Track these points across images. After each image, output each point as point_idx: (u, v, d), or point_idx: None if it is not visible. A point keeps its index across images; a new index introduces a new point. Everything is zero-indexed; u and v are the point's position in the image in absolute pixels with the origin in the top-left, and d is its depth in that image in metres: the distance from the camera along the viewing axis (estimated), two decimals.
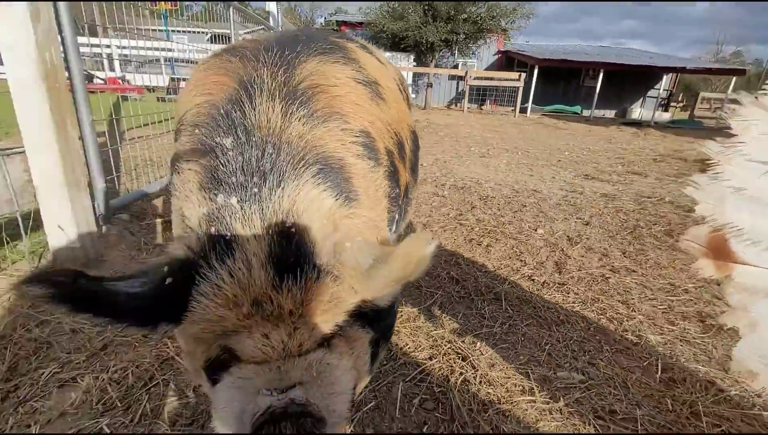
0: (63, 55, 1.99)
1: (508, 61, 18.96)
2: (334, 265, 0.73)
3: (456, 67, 18.45)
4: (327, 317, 0.76)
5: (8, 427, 1.23)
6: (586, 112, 17.39)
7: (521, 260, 2.56)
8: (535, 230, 3.11)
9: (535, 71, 15.65)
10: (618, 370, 1.59)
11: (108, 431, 1.23)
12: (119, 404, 1.33)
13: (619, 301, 2.11)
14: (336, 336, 0.81)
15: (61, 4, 1.91)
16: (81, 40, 2.42)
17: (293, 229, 0.73)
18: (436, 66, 17.13)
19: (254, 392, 0.71)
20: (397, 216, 1.20)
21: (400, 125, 1.24)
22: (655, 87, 18.22)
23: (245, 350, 0.73)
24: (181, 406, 1.34)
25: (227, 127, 0.85)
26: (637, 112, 17.83)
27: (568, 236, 3.00)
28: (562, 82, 18.91)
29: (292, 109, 0.88)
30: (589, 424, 1.32)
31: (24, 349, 1.54)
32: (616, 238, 3.03)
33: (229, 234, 0.72)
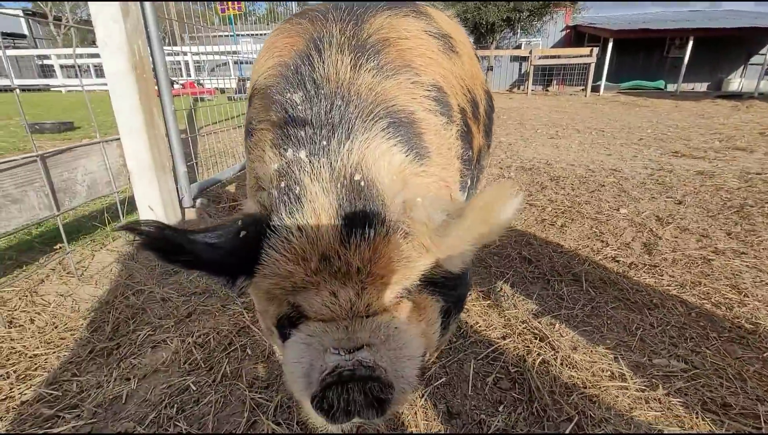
0: (149, 48, 2.16)
1: (577, 36, 17.50)
2: (404, 222, 0.70)
3: (519, 47, 17.45)
4: (396, 278, 0.72)
5: (112, 378, 1.36)
6: (671, 87, 15.53)
7: (602, 241, 2.33)
8: (617, 210, 2.81)
9: (610, 45, 14.25)
10: (730, 361, 1.37)
11: (194, 388, 1.31)
12: (203, 365, 1.42)
13: (727, 285, 1.82)
14: (405, 300, 0.78)
15: (147, 3, 2.06)
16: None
17: (362, 184, 0.70)
18: (496, 48, 16.32)
19: (322, 350, 0.69)
20: (468, 182, 1.12)
21: (474, 82, 1.14)
22: (761, 52, 15.68)
23: (313, 307, 0.72)
24: (257, 370, 1.40)
25: (297, 82, 0.83)
26: (736, 83, 15.53)
27: (657, 216, 2.68)
28: (641, 55, 17.03)
29: (362, 61, 0.84)
30: (697, 417, 1.14)
31: (123, 314, 1.71)
32: (717, 217, 2.64)
33: (298, 188, 0.70)
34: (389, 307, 0.75)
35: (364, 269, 0.69)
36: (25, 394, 1.30)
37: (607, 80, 14.36)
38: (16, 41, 21.01)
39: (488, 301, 1.75)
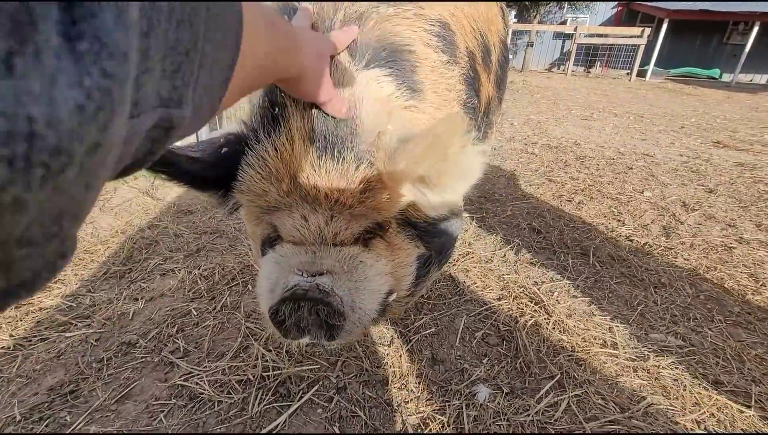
0: None
1: (629, 14, 16.30)
2: (372, 152, 0.69)
3: (564, 23, 16.46)
4: (364, 210, 0.72)
5: (122, 297, 1.45)
6: (726, 77, 14.39)
7: (619, 220, 2.25)
8: (641, 193, 2.69)
9: (664, 26, 13.21)
10: (732, 343, 1.32)
11: (195, 313, 1.38)
12: (206, 295, 1.49)
13: (744, 273, 1.74)
14: (376, 237, 0.79)
15: None
16: None
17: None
18: (540, 22, 15.43)
19: (288, 270, 0.72)
20: (474, 133, 1.08)
21: (489, 27, 1.08)
22: None
23: (285, 228, 0.75)
24: (256, 304, 1.46)
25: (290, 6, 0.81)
26: None
27: (683, 202, 2.55)
28: (698, 40, 15.75)
29: None
30: (684, 390, 1.13)
31: (138, 244, 1.80)
32: (749, 209, 2.49)
33: (277, 108, 0.70)
34: (359, 239, 0.76)
35: (332, 196, 0.70)
36: (43, 302, 1.41)
37: (656, 65, 13.42)
38: None
39: (489, 265, 1.74)
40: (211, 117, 0.34)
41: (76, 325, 1.32)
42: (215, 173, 0.73)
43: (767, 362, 1.24)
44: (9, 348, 1.20)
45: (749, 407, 1.08)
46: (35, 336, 1.26)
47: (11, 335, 1.25)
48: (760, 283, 1.67)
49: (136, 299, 1.46)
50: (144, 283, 1.56)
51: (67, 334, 1.27)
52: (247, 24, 0.34)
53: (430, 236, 0.85)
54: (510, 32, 15.81)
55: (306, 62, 0.56)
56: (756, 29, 12.48)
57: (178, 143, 0.53)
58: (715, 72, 15.07)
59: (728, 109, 7.37)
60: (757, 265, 1.82)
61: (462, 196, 0.77)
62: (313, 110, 0.68)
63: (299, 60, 0.54)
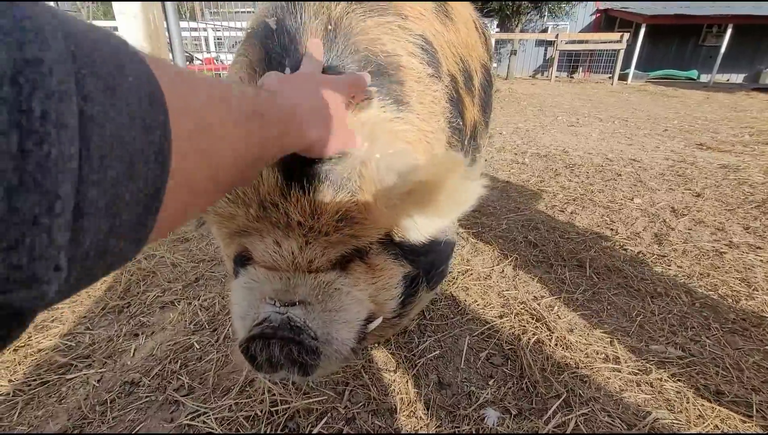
0: (164, 18, 2.18)
1: (608, 20, 16.78)
2: (354, 179, 0.65)
3: (545, 30, 16.85)
4: (341, 238, 0.68)
5: (122, 333, 1.44)
6: (704, 78, 14.82)
7: (612, 229, 2.29)
8: (631, 199, 2.75)
9: (642, 31, 13.62)
10: (730, 351, 1.35)
11: (197, 346, 1.37)
12: (207, 326, 1.48)
13: (736, 278, 1.78)
14: (356, 260, 0.74)
15: None
16: (182, 24, 2.64)
17: None
18: (521, 31, 15.78)
19: (259, 298, 0.69)
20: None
21: (469, 53, 1.08)
22: None
23: (257, 253, 0.71)
24: None
25: (275, 11, 0.79)
26: None
27: (672, 207, 2.61)
28: (675, 43, 16.26)
29: None
30: (688, 402, 1.14)
31: (135, 276, 1.78)
32: (736, 212, 2.56)
33: None
34: (337, 264, 0.72)
35: (305, 223, 0.66)
36: (41, 343, 1.38)
37: (636, 68, 13.79)
38: None
39: (488, 282, 1.75)
40: (135, 253, 0.29)
41: (76, 365, 1.30)
42: None
43: (765, 370, 1.27)
44: (9, 395, 1.17)
45: (750, 417, 1.10)
46: (35, 380, 1.23)
47: (10, 380, 1.22)
48: (752, 288, 1.71)
49: (137, 335, 1.44)
50: (144, 317, 1.54)
51: (68, 376, 1.25)
52: (205, 130, 0.32)
53: (417, 254, 0.81)
54: (493, 55, 16.10)
55: (313, 136, 0.53)
56: (729, 31, 12.93)
57: None
58: (693, 73, 15.54)
59: (708, 109, 7.58)
60: (748, 269, 1.86)
61: (455, 219, 0.76)
62: None
63: (303, 139, 0.51)
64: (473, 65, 1.11)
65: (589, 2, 16.43)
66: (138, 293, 1.68)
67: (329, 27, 0.74)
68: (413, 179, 0.58)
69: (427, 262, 0.86)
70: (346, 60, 0.72)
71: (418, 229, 0.65)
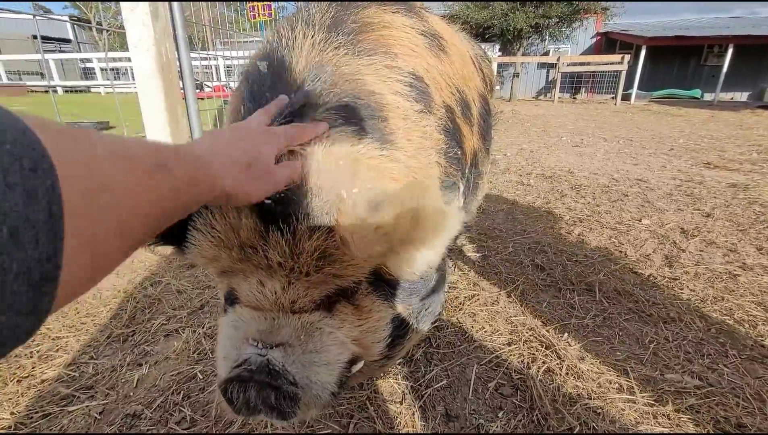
0: (176, 50, 2.26)
1: (608, 43, 17.08)
2: (332, 217, 0.64)
3: (546, 53, 17.17)
4: (323, 278, 0.68)
5: (126, 363, 1.42)
6: (708, 97, 14.88)
7: (621, 251, 2.26)
8: (639, 221, 2.72)
9: (642, 52, 13.82)
10: (750, 380, 1.30)
11: (200, 376, 1.35)
12: (211, 355, 1.46)
13: (752, 301, 1.73)
14: (341, 301, 0.73)
15: (175, 4, 2.16)
16: (193, 54, 2.75)
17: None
18: (523, 54, 16.10)
19: (243, 338, 0.69)
20: (461, 186, 1.08)
21: (466, 83, 1.10)
22: None
23: (242, 293, 0.71)
24: None
25: (265, 53, 0.82)
26: None
27: (682, 228, 2.57)
28: (676, 63, 16.45)
29: (331, 37, 0.80)
30: None
31: (140, 304, 1.78)
32: (748, 232, 2.51)
33: None
34: (321, 305, 0.71)
35: (285, 264, 0.66)
36: (45, 373, 1.38)
37: (639, 89, 13.91)
38: (62, 46, 22.33)
39: (496, 307, 1.72)
40: (34, 327, 0.28)
41: (78, 397, 1.28)
42: (160, 237, 0.69)
43: None
44: (10, 428, 1.16)
45: None
46: (37, 412, 1.22)
47: (12, 413, 1.21)
48: None
49: (140, 364, 1.43)
50: (148, 345, 1.53)
51: (70, 408, 1.23)
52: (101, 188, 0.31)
53: (408, 294, 0.80)
54: (494, 85, 16.37)
55: (227, 184, 0.52)
56: (730, 51, 13.06)
57: None
58: (697, 92, 15.63)
59: (714, 128, 7.58)
60: (764, 292, 1.81)
61: (442, 253, 0.73)
62: None
63: (215, 188, 0.51)
64: (470, 95, 1.12)
65: (589, 26, 16.78)
66: (143, 321, 1.67)
67: (314, 68, 0.75)
68: (383, 211, 0.57)
69: (417, 303, 0.84)
70: (328, 100, 0.73)
71: (405, 264, 0.64)
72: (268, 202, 0.63)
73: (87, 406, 1.24)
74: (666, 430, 1.12)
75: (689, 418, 1.15)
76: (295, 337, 0.68)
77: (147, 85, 2.06)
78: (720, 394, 1.24)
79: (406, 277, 0.69)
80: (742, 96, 16.06)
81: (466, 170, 1.11)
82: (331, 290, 0.71)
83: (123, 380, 1.35)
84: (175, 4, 2.15)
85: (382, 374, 1.31)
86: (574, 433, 1.11)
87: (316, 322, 0.70)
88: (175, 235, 0.69)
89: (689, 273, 1.99)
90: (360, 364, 0.76)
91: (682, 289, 1.84)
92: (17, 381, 1.33)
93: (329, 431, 1.13)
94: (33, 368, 1.39)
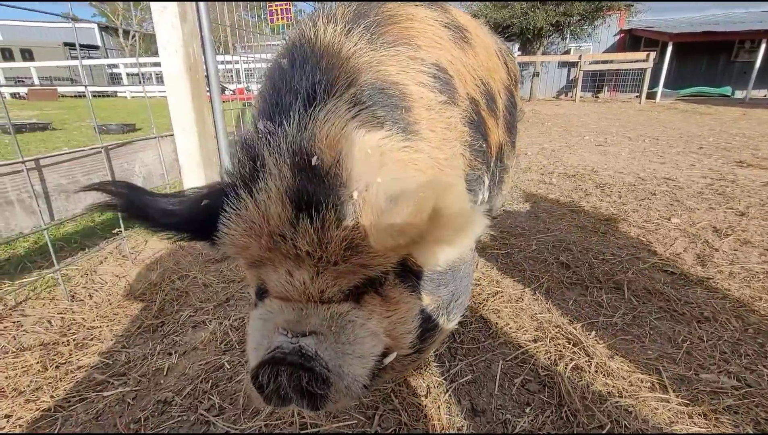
0: (202, 50, 2.32)
1: (632, 40, 16.62)
2: (358, 206, 0.64)
3: (567, 52, 16.84)
4: (350, 267, 0.67)
5: (156, 352, 1.47)
6: (739, 94, 14.29)
7: (650, 250, 2.19)
8: (668, 219, 2.63)
9: (669, 49, 13.38)
10: None
11: (228, 366, 1.38)
12: (237, 346, 1.49)
13: None
14: (370, 292, 0.72)
15: (201, 5, 2.22)
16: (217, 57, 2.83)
17: (317, 162, 0.64)
18: (543, 53, 15.83)
19: (273, 329, 0.69)
20: (487, 180, 1.06)
21: (491, 75, 1.08)
22: None
23: (271, 283, 0.71)
24: None
25: (287, 48, 0.81)
26: None
27: (714, 227, 2.48)
28: (704, 60, 15.85)
29: (353, 27, 0.79)
30: None
31: (169, 296, 1.83)
32: None
33: (257, 162, 0.66)
34: (350, 296, 0.70)
35: (314, 254, 0.65)
36: (81, 360, 1.43)
37: (664, 87, 13.48)
38: (90, 52, 23.23)
39: (520, 304, 1.70)
40: None
41: (113, 383, 1.33)
42: (192, 226, 0.71)
43: None
44: (50, 410, 1.21)
45: None
46: (74, 396, 1.27)
47: (52, 397, 1.26)
48: None
49: (170, 354, 1.46)
50: (177, 336, 1.57)
51: (105, 394, 1.28)
52: None
53: (436, 285, 0.79)
54: (518, 79, 15.95)
55: None
56: (763, 46, 12.52)
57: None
58: (727, 90, 15.03)
59: (746, 126, 7.28)
60: None
61: (468, 247, 0.68)
62: (293, 166, 0.64)
63: None
64: (496, 87, 1.11)
65: (612, 23, 16.38)
66: (171, 313, 1.72)
67: (336, 59, 0.75)
68: (400, 206, 0.57)
69: (447, 293, 0.83)
70: (352, 90, 0.72)
71: (431, 256, 0.62)
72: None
73: (121, 392, 1.28)
74: (703, 430, 1.08)
75: (727, 419, 1.11)
76: (326, 326, 0.68)
77: (175, 85, 2.12)
78: (759, 395, 1.19)
79: (432, 268, 0.68)
80: None
81: (491, 163, 1.09)
82: (360, 280, 0.70)
83: (154, 368, 1.39)
84: (201, 5, 2.21)
85: (414, 370, 1.30)
86: (604, 432, 1.08)
87: (347, 313, 0.69)
88: (206, 228, 0.70)
89: (723, 272, 1.92)
90: (392, 356, 0.75)
91: (716, 289, 1.77)
92: (56, 367, 1.38)
93: (339, 430, 1.13)
94: (70, 355, 1.45)
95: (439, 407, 1.19)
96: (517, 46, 15.80)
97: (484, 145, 1.00)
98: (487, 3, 15.54)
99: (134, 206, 0.69)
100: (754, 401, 1.17)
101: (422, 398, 1.23)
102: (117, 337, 1.56)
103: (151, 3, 2.07)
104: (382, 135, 0.70)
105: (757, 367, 1.31)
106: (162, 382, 1.33)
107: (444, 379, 1.30)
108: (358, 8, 0.88)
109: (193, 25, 2.17)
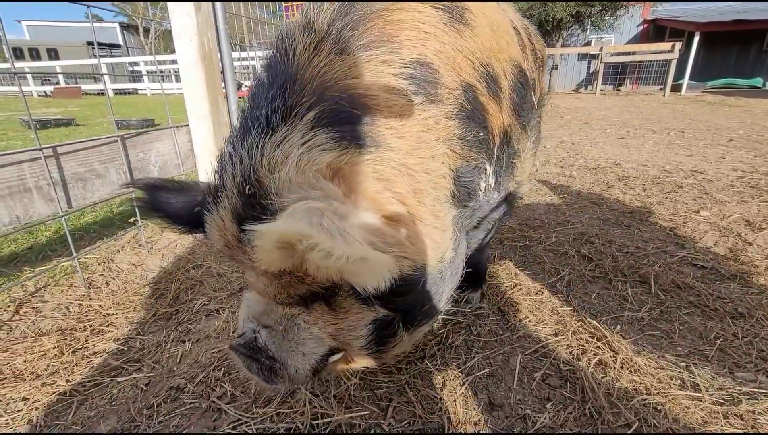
0: (217, 41, 2.31)
1: (656, 30, 16.04)
2: (278, 228, 0.66)
3: (588, 44, 16.39)
4: (292, 281, 0.74)
5: (170, 340, 1.46)
6: None
7: (677, 244, 2.09)
8: (697, 212, 2.51)
9: (695, 39, 12.84)
10: None
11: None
12: None
13: None
14: (319, 301, 0.80)
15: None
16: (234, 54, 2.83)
17: (250, 190, 0.70)
18: (563, 45, 15.44)
19: (246, 316, 0.83)
20: (489, 167, 1.02)
21: (494, 55, 1.00)
22: None
23: (248, 279, 0.85)
24: None
25: (266, 63, 0.83)
26: None
27: (747, 220, 2.35)
28: (734, 51, 15.17)
29: (325, 38, 0.78)
30: None
31: (183, 285, 1.84)
32: None
33: (222, 180, 0.75)
34: (301, 301, 0.79)
35: (258, 267, 0.71)
36: (96, 346, 1.44)
37: (690, 78, 12.95)
38: (112, 51, 23.79)
39: (540, 297, 1.63)
40: None
41: (127, 369, 1.33)
42: (192, 226, 0.85)
43: None
44: (66, 394, 1.22)
45: None
46: (89, 381, 1.27)
47: (68, 381, 1.27)
48: None
49: (183, 341, 1.46)
50: (190, 324, 1.57)
51: (119, 379, 1.28)
52: None
53: (391, 297, 0.77)
54: (544, 57, 15.48)
55: None
56: None
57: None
58: (758, 81, 14.40)
59: None
60: None
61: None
62: (240, 190, 0.71)
63: None
64: (499, 67, 1.02)
65: (636, 13, 15.84)
66: (186, 301, 1.72)
67: (303, 74, 0.76)
68: (259, 241, 0.60)
69: (406, 304, 0.84)
70: (311, 108, 0.73)
71: (355, 282, 0.67)
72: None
73: (134, 378, 1.28)
74: (739, 431, 1.01)
75: (766, 420, 1.03)
76: (279, 324, 0.80)
77: (190, 74, 2.12)
78: None
79: (371, 290, 0.68)
80: None
81: (495, 150, 1.02)
82: (304, 292, 0.77)
83: (167, 355, 1.39)
84: None
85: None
86: (630, 432, 1.02)
87: (296, 315, 0.80)
88: (198, 228, 0.84)
89: (758, 266, 1.81)
90: (338, 356, 0.83)
91: (751, 284, 1.67)
92: (72, 352, 1.40)
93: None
94: (86, 341, 1.46)
95: (455, 400, 1.14)
96: None
97: (483, 133, 0.95)
98: None
99: (157, 204, 0.86)
100: None
101: (438, 390, 1.19)
102: (132, 324, 1.57)
103: None
104: (335, 155, 0.71)
105: None
106: (175, 369, 1.32)
107: (460, 371, 1.26)
108: (342, 5, 0.84)
109: (207, 14, 2.16)
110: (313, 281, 0.73)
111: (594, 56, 15.11)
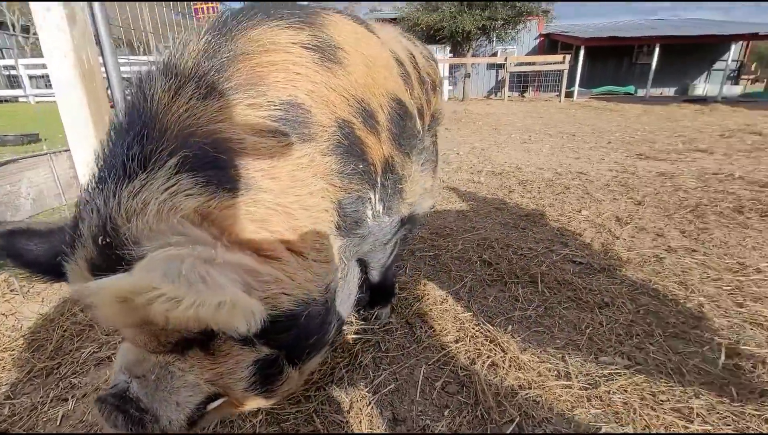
0: (100, 55, 2.11)
1: (550, 44, 18.00)
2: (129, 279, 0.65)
3: (495, 54, 17.83)
4: (158, 329, 0.71)
5: (49, 400, 1.30)
6: (641, 92, 16.08)
7: (562, 242, 2.37)
8: (579, 212, 2.88)
9: (581, 52, 14.70)
10: (672, 356, 1.40)
11: None
12: None
13: (675, 282, 1.88)
14: (194, 347, 0.77)
15: (96, 5, 2.02)
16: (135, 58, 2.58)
17: (103, 241, 0.68)
18: (473, 55, 16.63)
19: (119, 367, 0.78)
20: (374, 195, 1.07)
21: (369, 90, 1.05)
22: (722, 59, 16.44)
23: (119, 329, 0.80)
24: None
25: (126, 107, 0.80)
26: (701, 87, 16.27)
27: (616, 217, 2.75)
28: (611, 62, 17.64)
29: (187, 83, 0.78)
30: (634, 413, 1.16)
31: (68, 332, 1.64)
32: (673, 217, 2.73)
33: (78, 231, 0.72)
34: (174, 348, 0.76)
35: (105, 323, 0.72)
36: None
37: (580, 86, 14.77)
38: None
39: (444, 306, 1.75)
40: None
41: None
42: (53, 275, 0.79)
43: (704, 372, 1.32)
44: None
45: (691, 422, 1.13)
46: None
47: None
48: (689, 291, 1.80)
49: (66, 399, 1.31)
50: (75, 377, 1.41)
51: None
52: None
53: (273, 334, 0.79)
54: (448, 66, 16.52)
55: None
56: (657, 50, 14.19)
57: None
58: (631, 88, 16.83)
59: (646, 121, 8.19)
60: (686, 272, 1.97)
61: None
62: (95, 239, 0.68)
63: None
64: (376, 102, 1.07)
65: (533, 28, 17.61)
66: (71, 351, 1.54)
67: (160, 121, 0.74)
68: (92, 296, 0.59)
69: (289, 339, 0.84)
70: (171, 155, 0.71)
71: (223, 322, 0.62)
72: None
73: None
74: (599, 411, 1.18)
75: (618, 398, 1.22)
76: (151, 372, 0.76)
77: (67, 95, 1.91)
78: (646, 372, 1.33)
79: (243, 332, 0.65)
80: (670, 91, 17.51)
81: (378, 179, 1.08)
82: (175, 338, 0.74)
83: (45, 419, 1.23)
84: (96, 4, 2.01)
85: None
86: (510, 430, 1.14)
87: (170, 363, 0.76)
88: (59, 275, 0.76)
89: (622, 259, 2.13)
90: (220, 401, 0.81)
91: (615, 275, 1.96)
92: None
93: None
94: None
95: (360, 422, 1.18)
96: (448, 48, 16.43)
97: (363, 166, 1.00)
98: (418, 6, 15.98)
99: (9, 252, 0.79)
100: (641, 378, 1.30)
101: (345, 414, 1.21)
102: (0, 386, 1.37)
103: (31, 3, 1.84)
104: (202, 200, 0.71)
105: (645, 345, 1.46)
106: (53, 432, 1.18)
107: (368, 391, 1.30)
108: (208, 47, 0.83)
109: (85, 26, 1.96)
110: (177, 330, 0.70)
111: (501, 66, 16.50)
